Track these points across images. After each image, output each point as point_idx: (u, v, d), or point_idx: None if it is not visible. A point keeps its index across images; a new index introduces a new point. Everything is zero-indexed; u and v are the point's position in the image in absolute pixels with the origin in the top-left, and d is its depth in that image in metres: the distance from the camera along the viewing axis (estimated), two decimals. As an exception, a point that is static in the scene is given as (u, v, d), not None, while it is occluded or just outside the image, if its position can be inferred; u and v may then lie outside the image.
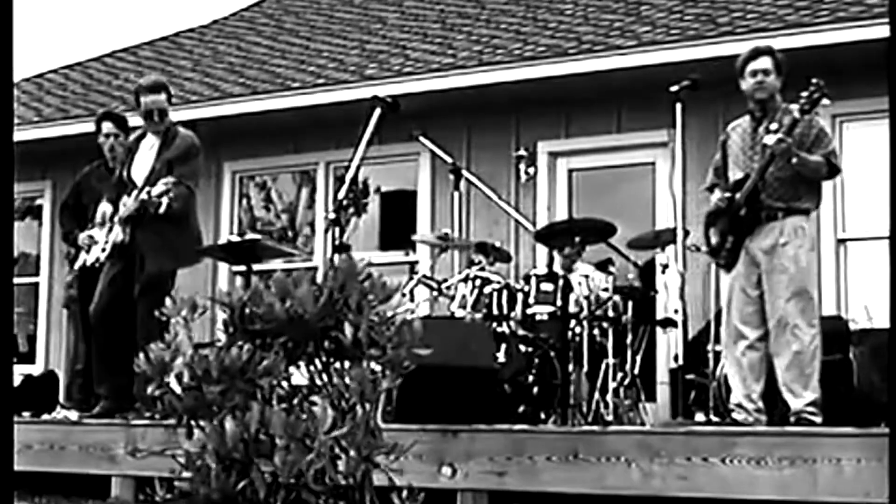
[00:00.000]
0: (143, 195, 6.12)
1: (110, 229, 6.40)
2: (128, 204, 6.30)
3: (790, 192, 5.51)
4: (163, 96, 6.46)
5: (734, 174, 5.68)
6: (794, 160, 5.39)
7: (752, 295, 5.56)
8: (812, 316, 5.44)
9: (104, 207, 6.46)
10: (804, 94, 5.40)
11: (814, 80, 5.38)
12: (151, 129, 6.50)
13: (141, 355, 3.19)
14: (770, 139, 5.41)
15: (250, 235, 6.86)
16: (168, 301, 3.32)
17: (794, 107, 5.42)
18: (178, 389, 3.17)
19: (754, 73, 5.60)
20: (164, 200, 6.05)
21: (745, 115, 5.76)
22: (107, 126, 7.03)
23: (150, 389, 3.14)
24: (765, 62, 5.60)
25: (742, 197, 5.54)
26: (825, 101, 5.39)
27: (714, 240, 5.74)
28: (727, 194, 5.64)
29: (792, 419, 5.37)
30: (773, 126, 5.47)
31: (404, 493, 3.22)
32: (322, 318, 3.17)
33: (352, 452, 3.08)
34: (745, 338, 5.56)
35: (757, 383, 5.52)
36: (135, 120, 6.92)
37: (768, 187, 5.51)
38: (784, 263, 5.45)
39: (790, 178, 5.49)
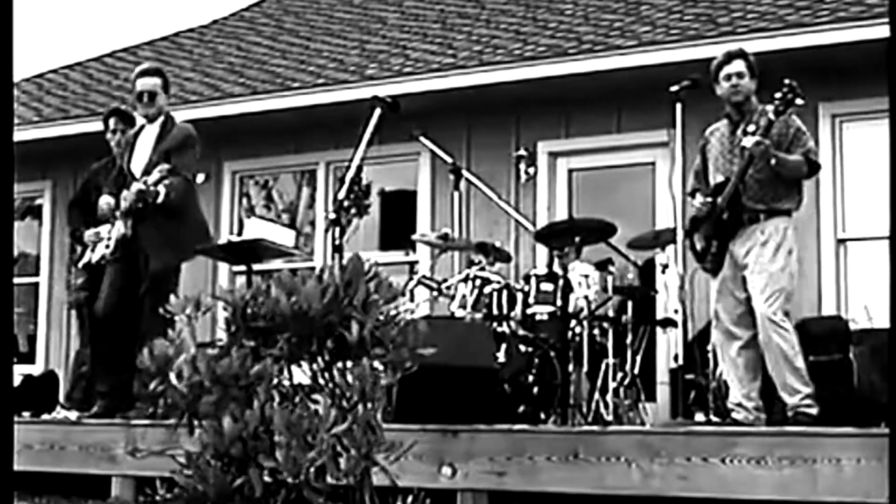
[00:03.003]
0: (140, 185, 6.09)
1: (113, 224, 6.39)
2: (127, 196, 6.30)
3: (770, 193, 5.55)
4: (156, 80, 6.44)
5: (714, 178, 5.74)
6: (773, 161, 5.43)
7: (739, 297, 5.59)
8: (785, 313, 5.44)
9: (106, 199, 6.43)
10: (778, 95, 5.43)
11: (786, 81, 5.42)
12: (141, 113, 6.50)
13: (145, 351, 3.19)
14: (748, 141, 5.45)
15: (250, 227, 6.82)
16: (172, 298, 3.32)
17: (770, 108, 5.46)
18: (178, 385, 3.17)
19: (728, 77, 5.65)
20: (161, 189, 6.03)
21: (722, 119, 5.80)
22: (113, 122, 7.05)
23: (152, 386, 3.14)
24: (738, 65, 5.64)
25: (724, 201, 5.59)
26: (799, 101, 5.42)
27: (699, 245, 5.77)
28: (708, 199, 5.68)
29: (790, 414, 5.39)
30: (751, 128, 5.52)
31: (409, 499, 3.22)
32: (326, 314, 3.17)
33: (352, 451, 3.08)
34: (738, 339, 5.60)
35: (754, 382, 5.56)
36: (141, 119, 6.92)
37: (749, 189, 5.55)
38: (763, 264, 5.48)
39: (769, 179, 5.53)
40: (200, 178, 6.99)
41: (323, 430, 3.04)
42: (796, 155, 5.52)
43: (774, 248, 5.49)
